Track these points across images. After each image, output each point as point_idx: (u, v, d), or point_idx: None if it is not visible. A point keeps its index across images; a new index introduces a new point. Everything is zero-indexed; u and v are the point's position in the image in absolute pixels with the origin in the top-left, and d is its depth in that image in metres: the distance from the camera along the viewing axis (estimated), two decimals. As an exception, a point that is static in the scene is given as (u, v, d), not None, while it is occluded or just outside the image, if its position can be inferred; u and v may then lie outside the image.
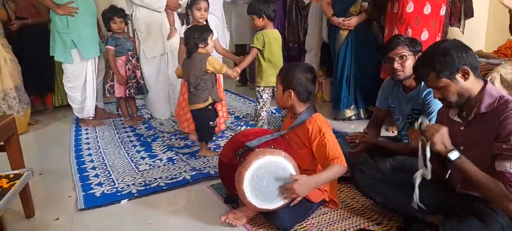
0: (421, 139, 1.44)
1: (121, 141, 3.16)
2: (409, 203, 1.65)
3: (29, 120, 3.64)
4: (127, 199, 2.14)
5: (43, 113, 4.16)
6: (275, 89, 1.98)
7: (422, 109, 2.04)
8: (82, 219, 1.98)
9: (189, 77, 2.57)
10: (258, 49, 2.82)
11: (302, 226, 1.78)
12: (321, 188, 1.85)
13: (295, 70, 1.85)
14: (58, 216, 2.00)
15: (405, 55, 2.04)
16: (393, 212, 1.81)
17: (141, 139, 3.19)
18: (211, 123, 2.65)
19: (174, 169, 2.52)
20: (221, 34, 3.63)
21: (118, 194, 2.19)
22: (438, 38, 2.82)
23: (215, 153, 2.71)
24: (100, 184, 2.33)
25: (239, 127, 3.37)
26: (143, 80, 3.56)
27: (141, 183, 2.31)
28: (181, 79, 2.98)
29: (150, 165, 2.61)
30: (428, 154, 1.42)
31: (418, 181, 1.47)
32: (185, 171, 2.46)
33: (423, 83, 2.07)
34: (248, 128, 3.27)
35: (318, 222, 1.81)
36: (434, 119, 1.75)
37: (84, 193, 2.22)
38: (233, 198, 1.97)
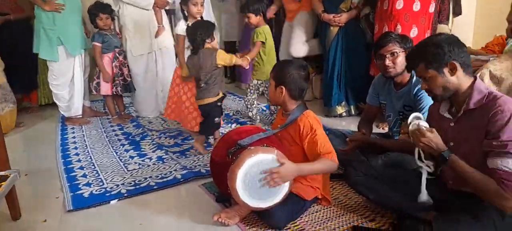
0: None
1: (109, 140, 3.10)
2: (401, 199, 1.67)
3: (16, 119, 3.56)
4: (116, 199, 2.10)
5: (28, 112, 4.07)
6: (269, 84, 1.97)
7: (413, 105, 2.05)
8: (70, 220, 1.94)
9: (198, 73, 2.56)
10: (263, 42, 3.00)
11: (295, 224, 1.77)
12: (313, 186, 1.84)
13: (288, 66, 1.83)
14: (45, 218, 1.95)
15: (396, 52, 2.05)
16: (386, 209, 1.81)
17: (130, 137, 3.14)
18: (216, 119, 2.67)
19: (164, 168, 2.48)
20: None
21: (107, 194, 2.15)
22: (427, 35, 2.84)
23: (206, 151, 2.68)
24: (88, 184, 2.28)
25: (230, 125, 3.35)
26: (131, 78, 3.50)
27: (130, 183, 2.27)
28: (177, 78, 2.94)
29: (140, 164, 2.57)
30: (422, 154, 1.47)
31: (424, 176, 1.50)
32: (175, 170, 2.42)
33: (414, 80, 2.09)
34: (238, 126, 3.26)
35: (311, 220, 1.80)
36: (425, 115, 1.75)
37: (72, 193, 2.16)
38: (225, 197, 1.95)
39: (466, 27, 3.71)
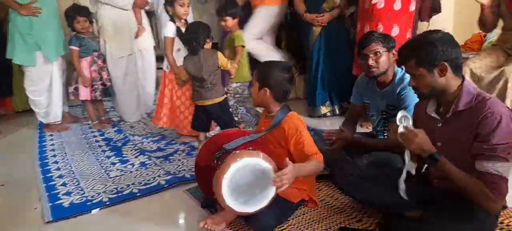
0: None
1: (89, 146, 3.02)
2: (388, 198, 1.67)
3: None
4: (98, 208, 2.04)
5: (4, 120, 3.93)
6: (252, 85, 1.95)
7: (396, 105, 2.06)
8: (50, 232, 1.87)
9: (200, 73, 2.55)
10: (243, 46, 2.99)
11: (282, 227, 1.75)
12: (299, 188, 1.83)
13: (272, 68, 1.82)
14: (23, 230, 1.88)
15: (379, 51, 2.05)
16: (372, 209, 1.81)
17: (111, 143, 3.07)
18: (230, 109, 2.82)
19: (147, 174, 2.43)
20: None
21: (88, 203, 2.09)
22: (408, 34, 2.87)
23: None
24: (68, 194, 2.21)
25: (217, 127, 3.30)
26: (110, 82, 3.41)
27: (112, 191, 2.21)
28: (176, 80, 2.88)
29: (122, 170, 2.51)
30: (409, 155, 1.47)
31: (403, 176, 1.50)
32: (159, 176, 2.37)
33: (396, 79, 2.10)
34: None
35: (298, 223, 1.78)
36: (411, 113, 1.76)
37: (51, 204, 2.09)
38: (210, 202, 1.91)
39: (445, 25, 3.76)
